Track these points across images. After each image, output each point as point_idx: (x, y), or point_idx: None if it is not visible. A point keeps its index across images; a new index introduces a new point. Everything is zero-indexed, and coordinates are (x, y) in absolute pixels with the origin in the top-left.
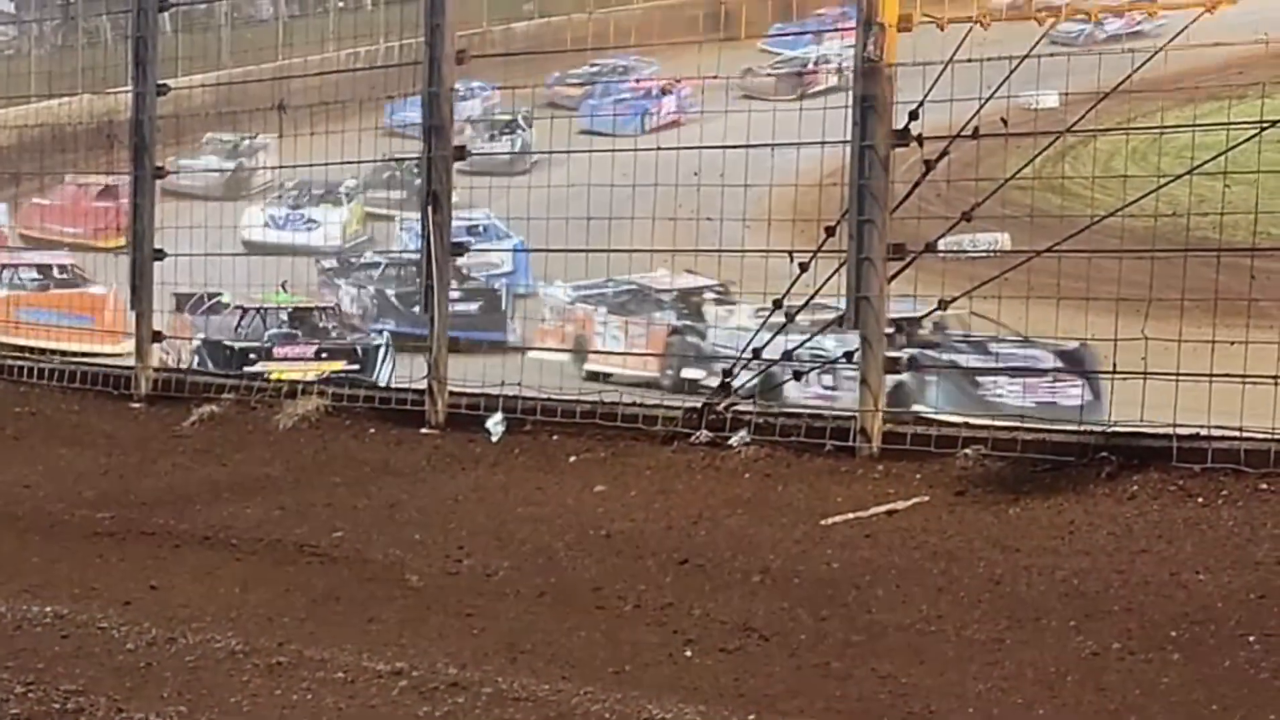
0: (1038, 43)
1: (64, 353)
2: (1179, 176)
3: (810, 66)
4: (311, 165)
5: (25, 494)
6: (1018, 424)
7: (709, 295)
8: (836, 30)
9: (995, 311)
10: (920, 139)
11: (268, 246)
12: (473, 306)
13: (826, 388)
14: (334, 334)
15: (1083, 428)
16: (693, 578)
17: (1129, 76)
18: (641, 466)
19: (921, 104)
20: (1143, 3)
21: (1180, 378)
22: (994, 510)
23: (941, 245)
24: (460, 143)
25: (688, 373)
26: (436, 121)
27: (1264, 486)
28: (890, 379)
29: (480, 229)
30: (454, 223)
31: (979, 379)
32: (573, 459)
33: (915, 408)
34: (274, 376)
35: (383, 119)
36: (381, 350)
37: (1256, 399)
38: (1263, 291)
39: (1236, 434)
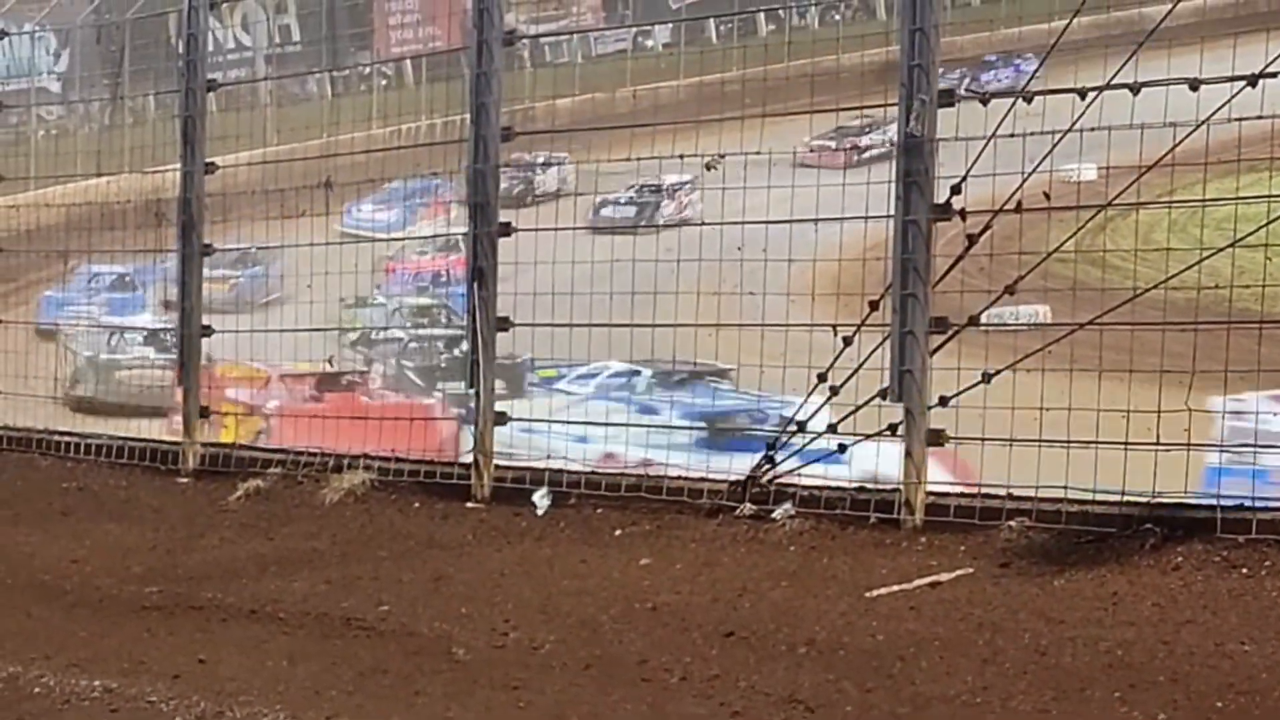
0: (1080, 117)
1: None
2: (1221, 249)
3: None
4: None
5: (73, 569)
6: (1061, 495)
7: None
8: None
9: (1039, 384)
10: (963, 213)
11: None
12: None
13: None
14: None
15: (1125, 499)
16: (738, 650)
17: (1171, 150)
18: (686, 539)
19: (964, 178)
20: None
21: (1223, 449)
22: (1038, 582)
23: (984, 318)
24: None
25: None
26: (481, 198)
27: None
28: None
29: None
30: None
31: None
32: (618, 532)
33: None
34: None
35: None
36: None
37: None
38: None
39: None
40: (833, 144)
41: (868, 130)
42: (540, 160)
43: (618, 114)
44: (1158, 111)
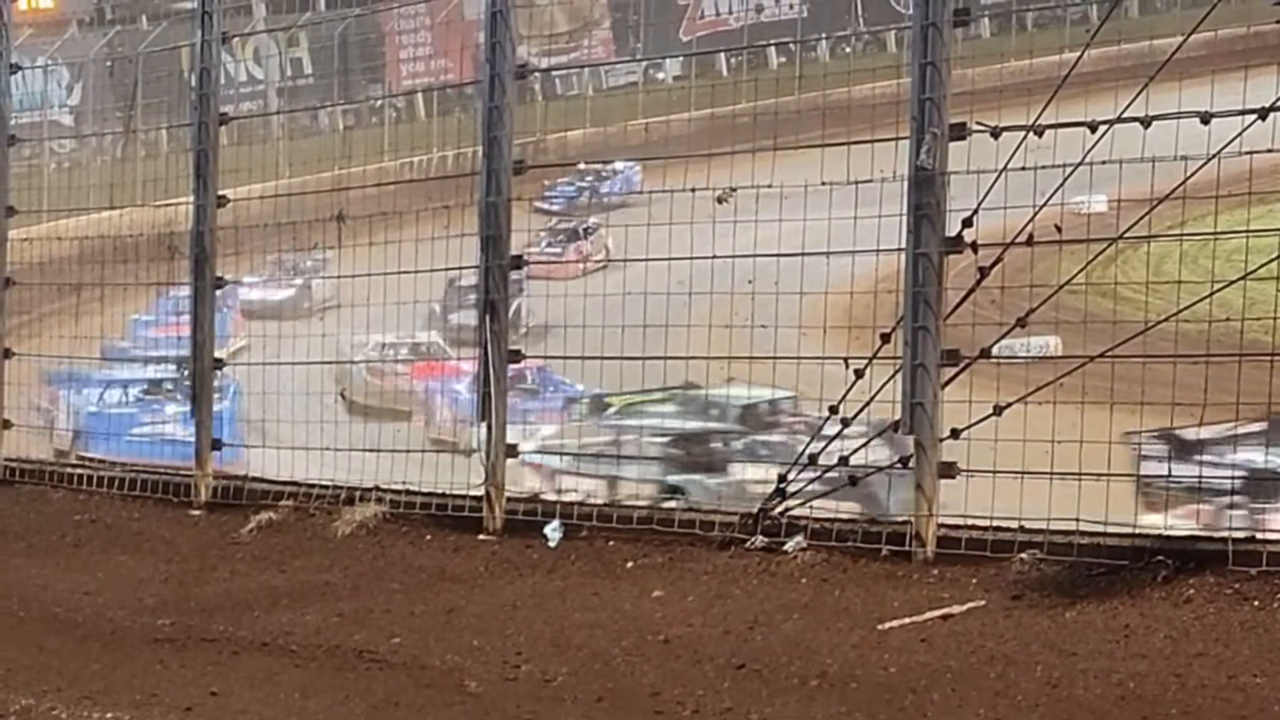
0: (1091, 149)
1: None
2: (1232, 282)
3: None
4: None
5: (85, 601)
6: (1073, 528)
7: None
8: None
9: (1050, 415)
10: (974, 246)
11: None
12: None
13: None
14: None
15: (1138, 531)
16: (750, 682)
17: (1182, 183)
18: (698, 572)
19: (975, 211)
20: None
21: (1235, 480)
22: (1050, 614)
23: (995, 351)
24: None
25: None
26: (494, 231)
27: None
28: None
29: None
30: None
31: None
32: (630, 565)
33: None
34: None
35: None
36: None
37: None
38: None
39: None
40: (557, 251)
41: (587, 233)
42: None
43: (629, 146)
44: (1169, 144)
